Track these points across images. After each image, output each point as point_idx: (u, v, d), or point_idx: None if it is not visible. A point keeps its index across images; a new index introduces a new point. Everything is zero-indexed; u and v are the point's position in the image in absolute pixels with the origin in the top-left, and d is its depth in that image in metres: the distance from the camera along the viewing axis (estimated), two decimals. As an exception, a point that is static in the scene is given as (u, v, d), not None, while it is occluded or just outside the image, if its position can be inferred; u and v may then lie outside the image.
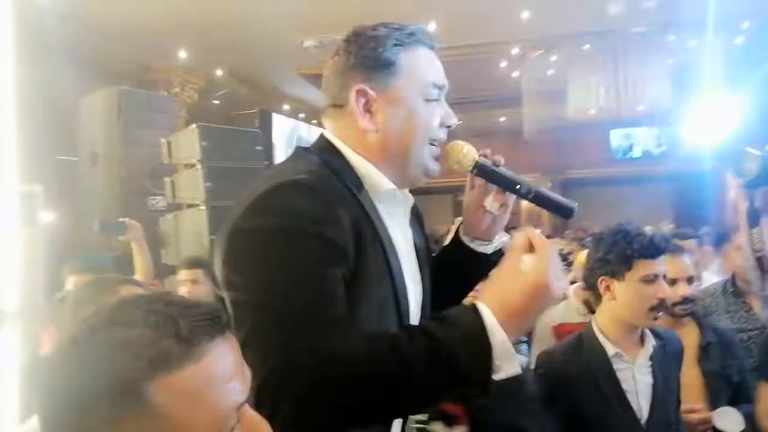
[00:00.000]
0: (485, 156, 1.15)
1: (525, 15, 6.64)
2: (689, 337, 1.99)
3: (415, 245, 1.20)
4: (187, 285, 3.13)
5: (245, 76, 8.74)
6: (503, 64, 8.79)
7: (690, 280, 2.03)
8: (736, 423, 1.66)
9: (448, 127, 1.14)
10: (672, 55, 8.00)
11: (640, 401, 1.66)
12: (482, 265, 1.27)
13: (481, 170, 1.13)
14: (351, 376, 0.87)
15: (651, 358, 1.70)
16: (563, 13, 6.74)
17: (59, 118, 4.99)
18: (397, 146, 1.10)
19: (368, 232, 1.04)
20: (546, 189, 1.12)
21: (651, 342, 1.72)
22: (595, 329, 1.74)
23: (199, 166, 3.96)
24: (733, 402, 1.89)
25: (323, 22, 6.56)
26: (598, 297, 1.75)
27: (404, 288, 1.10)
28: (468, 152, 1.13)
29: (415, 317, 1.14)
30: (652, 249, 1.66)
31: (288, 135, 9.17)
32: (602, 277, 1.71)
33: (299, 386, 0.86)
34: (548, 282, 0.90)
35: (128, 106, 4.67)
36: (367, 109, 1.08)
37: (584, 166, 13.80)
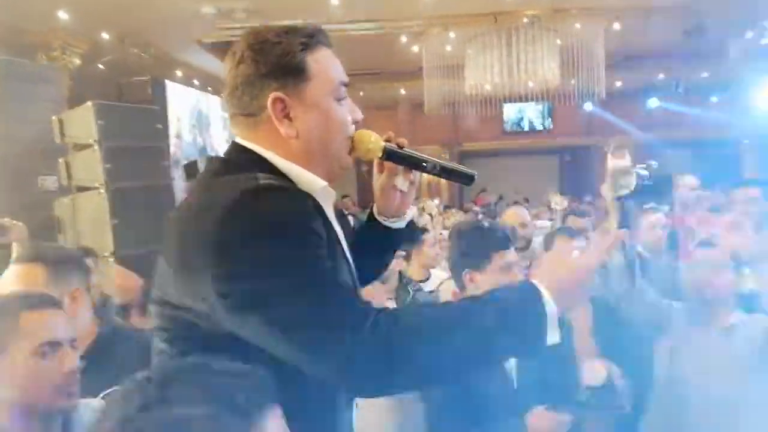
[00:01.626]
0: (389, 140, 1.23)
1: (427, -6, 6.76)
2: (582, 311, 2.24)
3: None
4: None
5: (134, 41, 8.19)
6: (404, 39, 8.91)
7: None
8: (599, 376, 1.84)
9: (356, 122, 1.21)
10: (560, 37, 8.51)
11: (511, 368, 1.88)
12: (397, 238, 1.39)
13: (390, 155, 1.22)
14: (425, 340, 0.97)
15: None
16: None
17: None
18: (319, 148, 1.15)
19: (327, 226, 1.12)
20: (447, 161, 1.26)
21: None
22: None
23: (96, 147, 3.74)
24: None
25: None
26: (463, 287, 1.96)
27: (355, 274, 1.21)
28: (376, 141, 1.21)
29: None
30: (505, 241, 1.89)
31: (192, 109, 8.72)
32: (466, 270, 1.90)
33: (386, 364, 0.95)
34: (592, 266, 1.06)
35: (7, 77, 4.27)
36: (285, 116, 1.11)
37: (479, 138, 14.42)
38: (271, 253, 0.98)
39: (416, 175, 1.29)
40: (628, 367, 1.91)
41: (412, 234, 1.48)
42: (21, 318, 1.28)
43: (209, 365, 0.65)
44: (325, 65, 1.14)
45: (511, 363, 1.88)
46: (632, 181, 1.66)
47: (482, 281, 1.88)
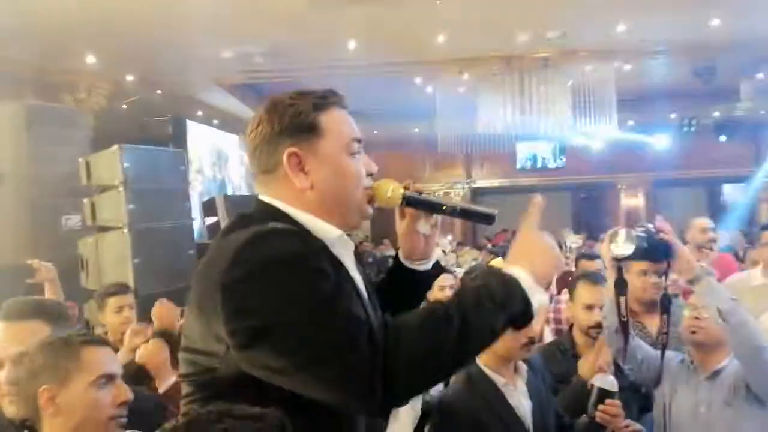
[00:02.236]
0: (407, 188, 1.29)
1: (440, 38, 6.95)
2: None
3: (365, 283, 1.32)
4: (124, 310, 3.07)
5: (157, 82, 8.46)
6: (418, 80, 9.12)
7: (602, 307, 2.30)
8: (613, 385, 1.92)
9: (370, 174, 1.28)
10: (571, 78, 8.66)
11: (528, 422, 1.90)
12: (425, 281, 1.43)
13: (409, 201, 1.28)
14: (424, 351, 1.03)
15: (526, 383, 1.96)
16: (475, 39, 7.12)
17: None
18: (333, 198, 1.22)
19: (342, 274, 1.17)
20: (465, 203, 1.33)
21: (523, 368, 1.99)
22: (480, 365, 1.96)
23: (121, 188, 3.87)
24: (643, 410, 2.22)
25: (238, 30, 6.52)
26: None
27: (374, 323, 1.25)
28: (395, 189, 1.27)
29: None
30: None
31: (211, 147, 8.90)
32: None
33: (388, 390, 0.99)
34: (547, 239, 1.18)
35: (37, 122, 4.44)
36: (300, 169, 1.18)
37: (492, 176, 14.54)
38: (275, 287, 1.02)
39: (438, 219, 1.35)
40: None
41: (439, 274, 1.54)
42: (82, 352, 1.43)
43: (231, 411, 0.71)
44: (338, 123, 1.23)
45: (528, 419, 1.90)
46: (631, 245, 1.73)
47: None
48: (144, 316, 3.71)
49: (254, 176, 1.27)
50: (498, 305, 1.07)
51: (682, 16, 6.61)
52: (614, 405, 1.89)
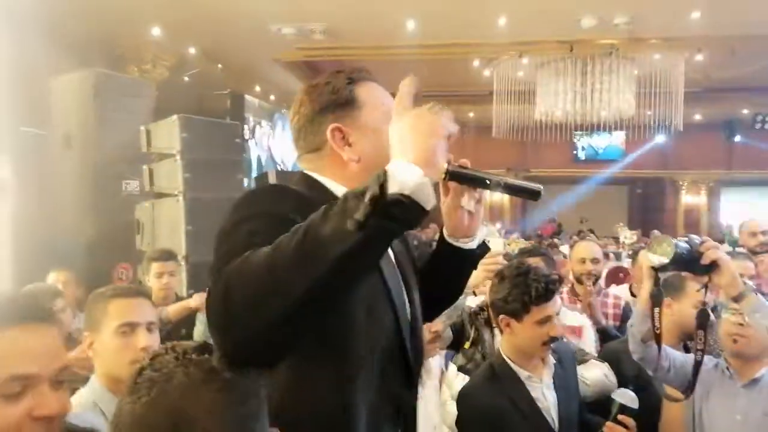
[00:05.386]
0: (450, 162, 1.20)
1: (502, 20, 6.79)
2: None
3: (400, 260, 1.31)
4: (164, 277, 3.21)
5: (218, 56, 8.65)
6: (476, 62, 8.97)
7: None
8: (633, 401, 1.86)
9: None
10: (637, 67, 8.32)
11: (552, 414, 1.87)
12: (470, 260, 1.39)
13: (453, 176, 1.20)
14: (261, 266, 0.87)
15: (553, 376, 1.93)
16: (538, 22, 6.93)
17: (25, 94, 4.88)
18: (378, 167, 1.21)
19: None
20: (510, 178, 1.23)
21: (551, 360, 1.95)
22: (505, 357, 1.94)
23: (178, 157, 3.98)
24: None
25: (299, 7, 6.56)
26: (500, 329, 1.97)
27: (399, 288, 1.22)
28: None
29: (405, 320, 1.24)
30: (547, 294, 1.86)
31: (267, 122, 8.98)
32: (502, 316, 1.91)
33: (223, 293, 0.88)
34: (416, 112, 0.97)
35: (104, 89, 4.61)
36: (346, 143, 1.20)
37: (547, 165, 14.20)
38: (231, 223, 1.02)
39: (483, 194, 1.31)
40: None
41: (484, 254, 1.48)
42: (109, 304, 1.59)
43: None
44: (375, 94, 1.25)
45: (552, 411, 1.88)
46: (669, 254, 1.64)
47: (518, 329, 1.89)
48: (194, 281, 3.85)
49: (298, 158, 1.28)
50: (348, 199, 0.87)
51: (759, 5, 6.22)
52: (626, 422, 1.82)
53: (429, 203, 0.88)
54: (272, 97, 11.02)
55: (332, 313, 0.98)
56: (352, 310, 1.09)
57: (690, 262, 1.67)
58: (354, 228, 0.83)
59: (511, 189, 1.20)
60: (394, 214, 0.85)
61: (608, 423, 1.84)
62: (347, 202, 0.87)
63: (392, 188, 0.85)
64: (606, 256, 7.82)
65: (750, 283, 1.79)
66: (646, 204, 15.20)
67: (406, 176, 0.87)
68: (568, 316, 2.69)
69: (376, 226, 0.84)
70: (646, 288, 1.78)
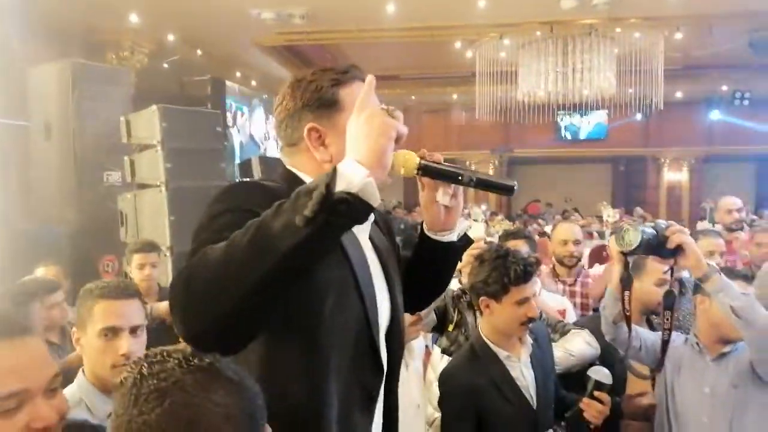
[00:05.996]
0: (423, 157, 1.23)
1: (481, 2, 6.78)
2: None
3: (380, 250, 1.33)
4: (146, 268, 3.20)
5: (197, 42, 8.55)
6: (458, 44, 8.96)
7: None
8: (608, 377, 1.93)
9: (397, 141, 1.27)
10: (617, 46, 8.37)
11: (531, 392, 1.94)
12: (452, 253, 1.40)
13: (425, 171, 1.22)
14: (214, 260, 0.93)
15: (530, 355, 1.99)
16: (517, 3, 6.93)
17: (3, 85, 4.82)
18: None
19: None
20: (484, 174, 1.25)
21: (528, 340, 2.02)
22: (484, 338, 2.00)
23: (159, 147, 3.97)
24: None
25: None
26: (480, 310, 2.03)
27: (368, 278, 1.23)
28: (409, 158, 1.20)
29: (384, 312, 1.27)
30: (526, 276, 1.92)
31: (248, 108, 8.91)
32: (483, 297, 1.97)
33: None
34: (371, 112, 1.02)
35: (83, 78, 4.57)
36: (321, 143, 1.21)
37: (530, 145, 14.28)
38: (206, 217, 1.07)
39: (459, 189, 1.31)
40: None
41: (467, 247, 1.49)
42: (95, 304, 1.57)
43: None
44: (356, 97, 1.22)
45: (530, 389, 1.95)
46: (636, 239, 1.71)
47: (497, 310, 1.94)
48: (179, 271, 3.85)
49: (280, 149, 1.31)
50: (300, 195, 0.92)
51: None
52: (602, 397, 1.89)
53: (375, 201, 0.94)
54: (253, 83, 10.93)
55: (298, 302, 1.05)
56: (320, 299, 1.12)
57: (657, 247, 1.73)
58: (302, 224, 0.89)
59: (484, 184, 1.22)
60: (341, 210, 0.90)
61: (585, 399, 1.90)
62: (298, 199, 0.92)
63: (339, 186, 0.91)
64: (590, 235, 7.96)
65: (714, 263, 1.85)
66: (630, 182, 15.36)
67: (353, 175, 0.92)
68: (549, 299, 2.77)
69: (323, 222, 0.89)
70: (616, 272, 1.85)
